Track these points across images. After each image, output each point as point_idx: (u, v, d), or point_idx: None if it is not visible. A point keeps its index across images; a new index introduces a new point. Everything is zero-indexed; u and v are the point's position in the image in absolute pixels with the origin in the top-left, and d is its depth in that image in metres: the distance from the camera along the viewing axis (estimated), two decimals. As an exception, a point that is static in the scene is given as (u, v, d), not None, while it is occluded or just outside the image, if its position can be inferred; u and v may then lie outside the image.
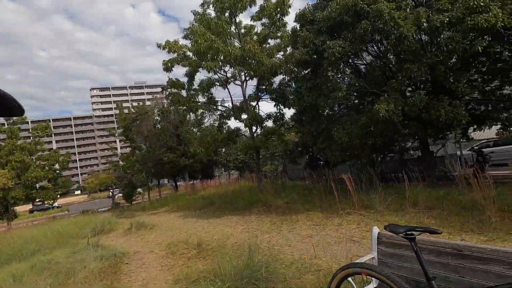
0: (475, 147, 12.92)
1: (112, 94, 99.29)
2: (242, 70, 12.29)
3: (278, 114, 13.40)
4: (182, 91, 14.07)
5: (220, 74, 13.40)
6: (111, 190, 31.42)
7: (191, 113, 19.90)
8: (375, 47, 9.01)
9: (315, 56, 8.61)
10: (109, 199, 34.53)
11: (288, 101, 12.25)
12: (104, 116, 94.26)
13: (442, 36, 7.00)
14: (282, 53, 13.08)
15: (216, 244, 6.53)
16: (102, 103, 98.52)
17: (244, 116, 13.01)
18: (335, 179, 10.85)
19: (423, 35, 7.73)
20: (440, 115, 6.45)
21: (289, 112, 13.74)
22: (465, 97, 7.93)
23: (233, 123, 15.02)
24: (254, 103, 14.08)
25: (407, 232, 1.95)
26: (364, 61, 9.72)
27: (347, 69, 9.86)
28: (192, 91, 13.78)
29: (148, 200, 23.97)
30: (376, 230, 2.83)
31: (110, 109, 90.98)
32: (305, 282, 3.61)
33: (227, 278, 3.77)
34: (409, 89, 8.49)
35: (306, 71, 9.75)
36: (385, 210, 6.84)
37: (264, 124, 13.98)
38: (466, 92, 7.02)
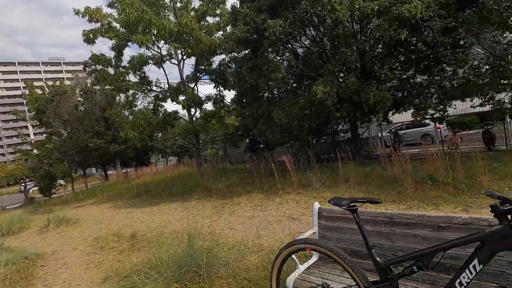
0: (392, 130, 14.74)
1: (20, 71, 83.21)
2: (179, 47, 11.37)
3: (218, 96, 12.95)
4: (109, 68, 12.42)
5: (154, 50, 12.21)
6: (23, 184, 26.78)
7: (120, 94, 17.93)
8: (312, 32, 9.25)
9: (255, 36, 8.44)
10: (21, 193, 29.55)
11: (229, 83, 11.89)
12: (9, 96, 78.85)
13: (371, 24, 7.52)
14: (221, 32, 12.50)
15: (152, 234, 6.07)
16: (5, 81, 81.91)
17: (181, 98, 12.19)
18: (274, 161, 11.17)
19: (355, 24, 8.20)
20: (369, 98, 7.03)
21: (229, 95, 13.42)
22: (387, 83, 8.80)
23: (170, 106, 14.01)
24: (192, 84, 13.31)
25: (350, 204, 1.95)
26: (303, 45, 9.94)
27: (286, 52, 9.96)
28: (121, 69, 12.26)
29: (72, 192, 21.21)
30: (317, 205, 2.86)
31: (18, 88, 76.35)
32: (247, 264, 3.54)
33: (164, 268, 3.46)
34: (341, 75, 9.04)
35: (247, 51, 9.54)
36: (321, 187, 7.28)
37: (204, 107, 13.38)
38: (390, 78, 7.76)
